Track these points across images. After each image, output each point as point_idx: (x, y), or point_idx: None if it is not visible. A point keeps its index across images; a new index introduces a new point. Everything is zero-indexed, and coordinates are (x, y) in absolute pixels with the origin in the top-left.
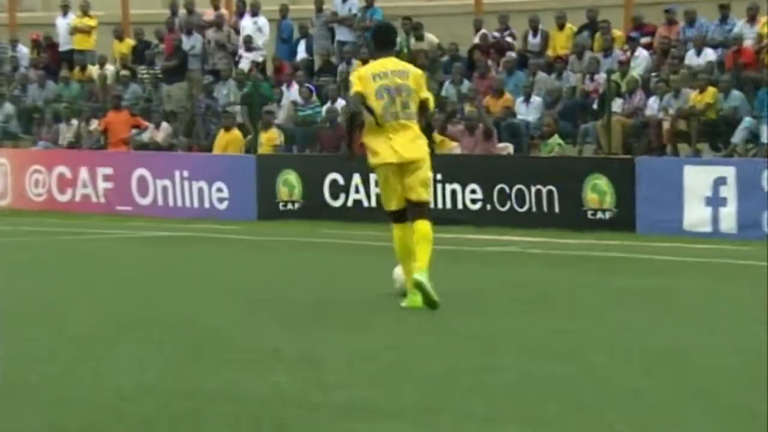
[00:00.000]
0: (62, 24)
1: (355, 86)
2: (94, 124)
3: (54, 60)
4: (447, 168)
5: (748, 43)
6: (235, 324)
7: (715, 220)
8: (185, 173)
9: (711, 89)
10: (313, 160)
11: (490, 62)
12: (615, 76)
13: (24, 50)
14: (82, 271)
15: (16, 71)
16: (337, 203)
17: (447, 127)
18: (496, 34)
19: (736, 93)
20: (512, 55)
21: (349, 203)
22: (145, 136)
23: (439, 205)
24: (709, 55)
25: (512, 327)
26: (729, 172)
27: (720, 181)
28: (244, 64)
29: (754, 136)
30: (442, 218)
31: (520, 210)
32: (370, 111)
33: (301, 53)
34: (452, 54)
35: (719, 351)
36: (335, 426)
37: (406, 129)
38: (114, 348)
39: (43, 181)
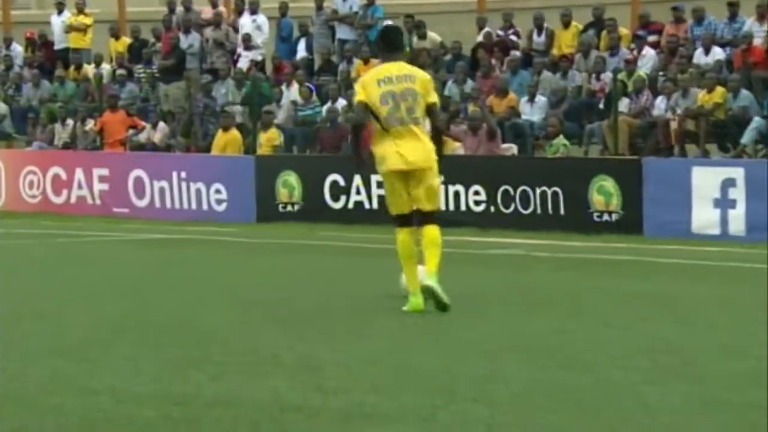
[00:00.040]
0: (57, 22)
1: (359, 95)
2: (90, 125)
3: (49, 59)
4: (450, 169)
5: (758, 41)
6: (233, 327)
7: (724, 222)
8: (183, 174)
9: (720, 89)
10: (313, 161)
11: (494, 61)
12: (621, 76)
13: (18, 49)
14: (78, 274)
15: (10, 70)
16: (338, 205)
17: (450, 128)
18: (500, 33)
19: (745, 93)
20: (516, 53)
21: (350, 205)
22: (142, 137)
23: (442, 207)
24: (718, 53)
25: (516, 331)
26: (738, 173)
27: (729, 183)
28: (243, 63)
29: (763, 137)
30: (445, 220)
31: (524, 212)
32: (376, 117)
33: (301, 52)
34: (455, 53)
35: (729, 356)
36: (334, 431)
37: (412, 134)
38: (109, 351)
39: (38, 183)
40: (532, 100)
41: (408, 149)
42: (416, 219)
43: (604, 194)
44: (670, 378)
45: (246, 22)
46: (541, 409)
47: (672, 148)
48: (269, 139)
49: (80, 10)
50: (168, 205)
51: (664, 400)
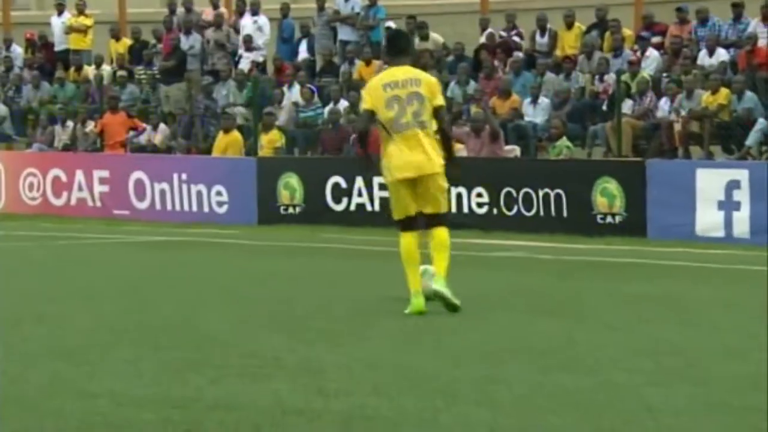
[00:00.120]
0: (57, 23)
1: (365, 103)
2: (90, 126)
3: (49, 60)
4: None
5: (762, 42)
6: (234, 330)
7: (728, 224)
8: (184, 176)
9: (724, 90)
10: (314, 163)
11: (496, 62)
12: (625, 77)
13: (18, 50)
14: (78, 276)
15: (10, 72)
16: (340, 207)
17: (452, 129)
18: (503, 34)
19: (749, 94)
20: (519, 55)
21: (352, 207)
22: (143, 138)
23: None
24: (722, 55)
25: (519, 333)
26: (742, 175)
27: (733, 185)
28: (244, 65)
29: None
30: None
31: (527, 214)
32: (382, 125)
33: (303, 53)
34: (458, 54)
35: (732, 358)
36: None
37: (418, 138)
38: (109, 354)
39: (38, 185)
40: (535, 101)
41: (414, 155)
42: (421, 222)
43: (607, 196)
44: (673, 380)
45: (247, 23)
46: (543, 412)
47: (676, 150)
48: (271, 140)
49: (80, 11)
50: (169, 207)
51: (668, 402)
